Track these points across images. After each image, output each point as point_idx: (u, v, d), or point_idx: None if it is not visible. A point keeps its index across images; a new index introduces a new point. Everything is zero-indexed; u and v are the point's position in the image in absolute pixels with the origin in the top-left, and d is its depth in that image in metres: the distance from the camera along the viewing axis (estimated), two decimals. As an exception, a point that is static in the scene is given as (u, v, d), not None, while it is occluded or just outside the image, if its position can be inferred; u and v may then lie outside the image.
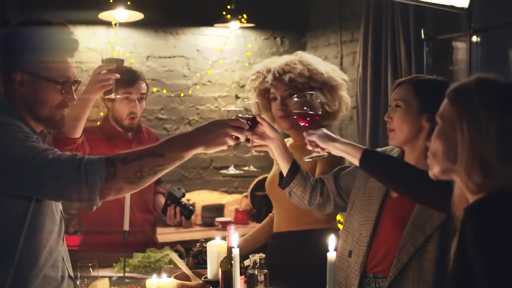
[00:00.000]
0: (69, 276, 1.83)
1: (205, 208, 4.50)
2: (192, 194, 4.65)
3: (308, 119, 1.94)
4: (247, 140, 1.82)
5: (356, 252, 2.07)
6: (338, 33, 4.79)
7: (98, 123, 3.26)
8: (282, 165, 2.16)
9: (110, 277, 2.32)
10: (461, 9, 3.62)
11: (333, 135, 2.00)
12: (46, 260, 1.72)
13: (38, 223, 1.69)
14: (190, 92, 4.86)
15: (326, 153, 2.01)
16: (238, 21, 4.63)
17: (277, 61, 2.48)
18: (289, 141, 2.54)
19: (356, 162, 1.94)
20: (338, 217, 2.80)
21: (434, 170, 1.36)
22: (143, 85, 2.83)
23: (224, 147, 1.77)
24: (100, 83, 2.31)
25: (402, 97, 2.03)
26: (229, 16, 4.60)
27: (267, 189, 2.65)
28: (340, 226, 2.56)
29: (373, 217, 2.06)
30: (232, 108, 1.94)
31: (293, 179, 2.14)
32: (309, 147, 2.03)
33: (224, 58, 4.94)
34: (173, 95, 4.79)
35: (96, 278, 2.20)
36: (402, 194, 1.96)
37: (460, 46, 3.96)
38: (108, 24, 4.47)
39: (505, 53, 3.85)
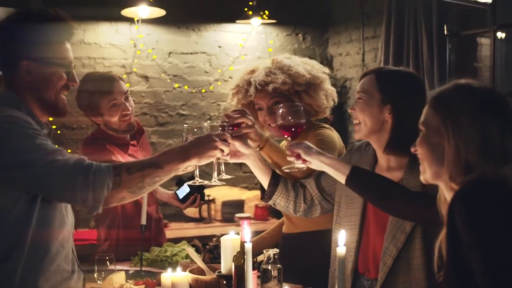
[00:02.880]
0: (79, 268, 1.85)
1: (225, 204, 4.51)
2: (212, 190, 4.66)
3: (292, 129, 1.89)
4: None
5: (347, 258, 1.98)
6: (360, 29, 4.76)
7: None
8: (262, 179, 2.13)
9: (126, 271, 2.34)
10: (485, 4, 3.56)
11: (318, 149, 1.93)
12: (58, 252, 1.74)
13: (47, 215, 1.70)
14: (211, 88, 4.87)
15: (305, 166, 1.94)
16: (259, 17, 4.64)
17: (256, 73, 2.41)
18: (284, 143, 2.50)
19: (342, 178, 1.87)
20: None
21: (426, 175, 1.40)
22: (121, 83, 2.68)
23: (213, 159, 1.83)
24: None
25: (364, 88, 1.95)
26: (250, 12, 4.62)
27: None
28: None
29: (357, 222, 1.98)
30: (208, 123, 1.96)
31: (275, 192, 2.11)
32: (291, 158, 1.95)
33: (246, 54, 4.94)
34: (194, 91, 4.81)
35: (113, 271, 2.23)
36: (390, 213, 1.89)
37: (485, 42, 3.89)
38: (130, 20, 4.52)
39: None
